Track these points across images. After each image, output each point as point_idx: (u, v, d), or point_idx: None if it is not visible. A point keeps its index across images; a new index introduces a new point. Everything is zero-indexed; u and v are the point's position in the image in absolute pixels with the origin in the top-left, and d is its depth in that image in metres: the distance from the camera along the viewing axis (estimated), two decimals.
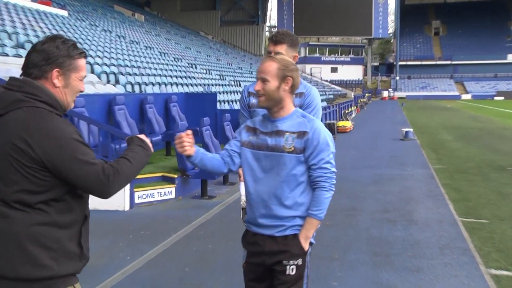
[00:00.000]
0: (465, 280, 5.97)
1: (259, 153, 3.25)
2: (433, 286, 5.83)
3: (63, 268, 2.52)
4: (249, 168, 3.31)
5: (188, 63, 29.75)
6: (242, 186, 3.87)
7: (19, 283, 2.44)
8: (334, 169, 3.21)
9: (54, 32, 21.26)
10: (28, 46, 16.12)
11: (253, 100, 4.15)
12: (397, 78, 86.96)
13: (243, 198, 3.94)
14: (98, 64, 17.89)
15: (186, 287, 5.85)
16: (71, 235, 2.58)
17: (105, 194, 2.57)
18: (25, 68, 2.60)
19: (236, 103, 21.45)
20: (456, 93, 79.32)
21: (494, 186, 11.62)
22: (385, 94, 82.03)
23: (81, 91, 2.82)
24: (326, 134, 3.21)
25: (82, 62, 2.71)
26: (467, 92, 79.71)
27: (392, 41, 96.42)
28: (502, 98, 73.55)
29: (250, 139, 3.36)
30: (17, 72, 12.05)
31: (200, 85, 23.27)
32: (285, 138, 3.17)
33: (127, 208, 9.41)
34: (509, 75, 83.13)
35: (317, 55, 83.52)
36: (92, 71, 16.74)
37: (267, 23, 77.14)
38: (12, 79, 2.61)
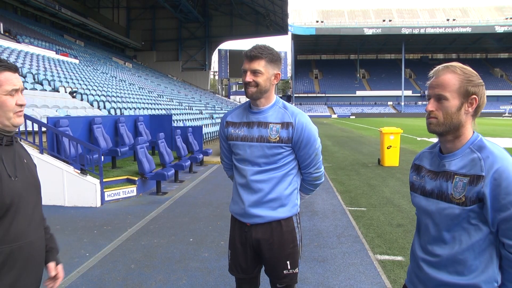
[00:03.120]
0: (361, 268, 4.59)
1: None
2: (338, 275, 4.38)
3: None
4: None
5: (157, 94, 27.86)
6: None
7: None
8: None
9: (67, 73, 19.82)
10: (45, 83, 14.67)
11: (232, 131, 2.49)
12: (294, 104, 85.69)
13: None
14: (92, 94, 16.33)
15: (128, 287, 4.17)
16: None
17: None
18: None
19: (188, 122, 19.96)
20: (328, 113, 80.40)
21: (364, 179, 10.37)
22: None
23: (20, 104, 1.70)
24: None
25: (3, 76, 1.65)
26: (334, 113, 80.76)
27: (289, 81, 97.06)
28: (354, 117, 75.90)
29: (414, 179, 1.84)
30: (29, 100, 10.51)
31: (165, 109, 21.65)
32: (453, 183, 1.62)
33: (98, 204, 7.82)
34: (357, 103, 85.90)
35: (243, 89, 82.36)
36: (87, 100, 15.23)
37: (211, 69, 76.33)
38: None
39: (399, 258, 4.89)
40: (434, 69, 1.69)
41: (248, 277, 2.58)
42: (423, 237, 1.77)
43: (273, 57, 2.36)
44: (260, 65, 2.32)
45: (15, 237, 1.65)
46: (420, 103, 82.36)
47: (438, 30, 77.45)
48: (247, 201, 2.42)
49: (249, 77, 2.34)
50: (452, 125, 1.63)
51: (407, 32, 77.51)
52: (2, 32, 26.03)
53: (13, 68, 1.73)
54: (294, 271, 2.49)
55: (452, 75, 1.63)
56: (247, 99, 2.48)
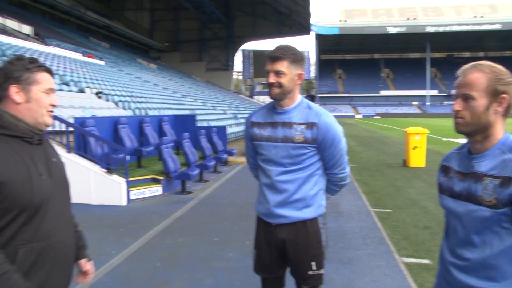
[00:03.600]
0: (386, 270, 4.53)
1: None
2: (363, 277, 4.34)
3: None
4: None
5: (181, 95, 28.11)
6: None
7: None
8: None
9: (92, 75, 20.16)
10: (72, 84, 14.98)
11: (256, 131, 2.48)
12: (317, 104, 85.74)
13: None
14: (117, 95, 16.60)
15: (154, 285, 4.22)
16: None
17: None
18: None
19: (212, 122, 20.09)
20: (352, 114, 79.58)
21: (389, 180, 10.24)
22: None
23: (53, 105, 1.79)
24: None
25: (42, 75, 1.74)
26: (359, 113, 79.93)
27: (313, 81, 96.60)
28: (378, 117, 74.70)
29: (442, 180, 1.78)
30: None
31: (189, 109, 21.79)
32: (483, 185, 1.56)
33: (124, 203, 7.93)
34: (382, 103, 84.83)
35: (266, 90, 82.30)
36: (112, 100, 15.52)
37: (234, 69, 76.42)
38: None
39: (426, 261, 4.80)
40: (462, 68, 1.64)
41: (273, 277, 2.57)
42: (451, 240, 1.71)
43: (296, 57, 2.34)
44: (283, 65, 2.31)
45: (45, 235, 1.68)
46: (446, 103, 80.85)
47: (464, 28, 75.59)
48: (272, 201, 2.41)
49: (272, 78, 2.32)
50: (480, 125, 1.57)
51: (432, 30, 76.16)
52: (32, 35, 26.69)
53: (51, 72, 1.83)
54: (319, 272, 2.46)
55: (479, 74, 1.57)
56: (271, 100, 2.47)
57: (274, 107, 2.47)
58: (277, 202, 2.40)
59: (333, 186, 2.55)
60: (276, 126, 2.41)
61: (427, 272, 4.45)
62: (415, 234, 5.81)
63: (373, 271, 4.50)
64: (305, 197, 2.39)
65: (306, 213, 2.41)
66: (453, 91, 1.67)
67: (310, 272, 2.44)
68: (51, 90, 1.80)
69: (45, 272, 1.69)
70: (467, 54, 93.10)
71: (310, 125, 2.35)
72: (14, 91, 1.69)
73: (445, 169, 1.80)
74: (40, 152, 1.77)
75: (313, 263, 2.44)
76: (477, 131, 1.60)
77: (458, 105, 1.61)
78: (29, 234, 1.63)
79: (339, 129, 2.42)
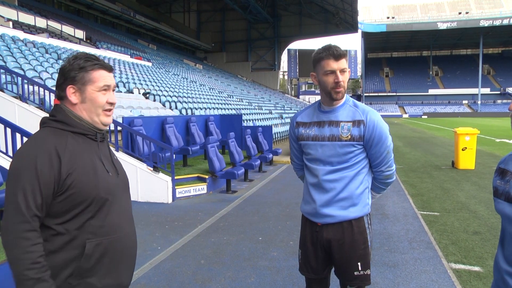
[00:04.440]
0: (433, 276, 4.38)
1: None
2: (409, 283, 4.22)
3: None
4: None
5: (227, 95, 28.34)
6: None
7: None
8: None
9: (140, 76, 20.76)
10: (120, 85, 15.50)
11: (302, 131, 2.48)
12: (364, 103, 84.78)
13: None
14: (164, 95, 16.95)
15: (198, 282, 4.28)
16: None
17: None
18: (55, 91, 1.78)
19: (257, 121, 20.13)
20: (399, 113, 77.74)
21: (437, 182, 9.91)
22: None
23: (111, 103, 1.80)
24: None
25: (97, 73, 1.75)
26: (406, 113, 77.96)
27: (359, 80, 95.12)
28: (426, 116, 72.94)
29: (498, 184, 1.71)
30: None
31: (235, 109, 21.93)
32: None
33: (170, 201, 8.11)
34: (430, 102, 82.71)
35: (312, 89, 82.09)
36: (159, 100, 15.89)
37: (281, 69, 76.33)
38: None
39: (476, 268, 4.60)
40: None
41: (318, 278, 2.55)
42: (508, 248, 1.60)
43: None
44: (345, 63, 2.32)
45: (111, 230, 1.75)
46: (499, 101, 77.33)
47: None
48: (318, 200, 2.40)
49: (341, 77, 2.31)
50: None
51: (486, 24, 72.66)
52: (84, 39, 27.81)
53: (108, 68, 1.83)
54: (366, 273, 2.43)
55: None
56: (317, 99, 2.45)
57: (320, 106, 2.47)
58: (324, 201, 2.39)
59: (379, 184, 2.52)
60: (323, 125, 2.40)
61: (477, 280, 4.26)
62: (464, 240, 5.59)
63: (419, 276, 4.36)
64: (351, 195, 2.37)
65: (352, 212, 2.38)
66: (510, 89, 1.58)
67: (356, 273, 2.41)
68: (108, 87, 1.80)
69: (111, 266, 1.76)
70: None
71: (357, 123, 2.34)
72: (71, 92, 1.74)
73: (501, 172, 1.69)
74: (105, 149, 1.85)
75: (359, 263, 2.41)
76: None
77: None
78: (96, 228, 1.70)
79: (385, 127, 2.39)
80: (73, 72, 1.73)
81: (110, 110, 1.83)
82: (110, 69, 1.83)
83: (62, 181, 1.62)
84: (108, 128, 1.88)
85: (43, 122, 1.76)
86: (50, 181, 1.60)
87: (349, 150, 2.34)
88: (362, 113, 2.36)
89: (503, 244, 1.67)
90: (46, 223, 1.65)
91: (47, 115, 1.81)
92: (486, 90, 79.19)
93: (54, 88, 8.33)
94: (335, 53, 2.28)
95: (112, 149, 8.20)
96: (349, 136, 2.33)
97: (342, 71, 2.30)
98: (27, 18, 24.31)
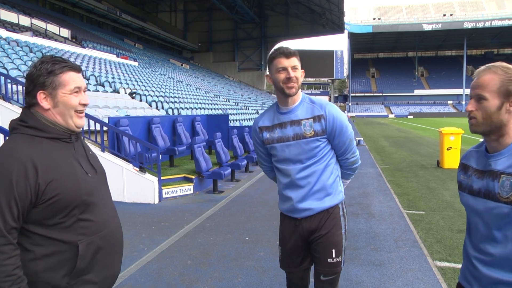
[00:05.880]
0: (419, 274, 4.42)
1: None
2: (395, 281, 4.25)
3: None
4: None
5: (214, 95, 28.32)
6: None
7: None
8: None
9: (127, 75, 20.64)
10: (106, 85, 15.32)
11: (267, 135, 2.52)
12: (350, 104, 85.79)
13: None
14: (150, 95, 16.84)
15: (184, 282, 4.26)
16: None
17: None
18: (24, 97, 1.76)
19: (244, 121, 20.12)
20: (385, 113, 78.83)
21: (423, 181, 10.01)
22: None
23: (83, 104, 1.77)
24: None
25: (67, 75, 1.72)
26: (392, 113, 79.01)
27: (346, 80, 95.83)
28: (412, 116, 73.76)
29: (461, 178, 1.87)
30: (92, 101, 11.06)
31: (221, 109, 21.97)
32: (500, 183, 1.60)
33: (156, 201, 8.07)
34: (415, 102, 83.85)
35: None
36: (146, 100, 15.78)
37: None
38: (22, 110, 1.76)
39: (460, 265, 4.63)
40: (477, 70, 1.69)
41: (298, 271, 2.63)
42: (474, 236, 1.75)
43: (299, 55, 2.43)
44: (296, 61, 2.38)
45: (99, 227, 1.77)
46: None
47: (507, 22, 72.48)
48: (295, 197, 2.49)
49: (292, 73, 2.37)
50: (493, 124, 1.61)
51: (470, 26, 73.82)
52: (69, 38, 27.52)
53: (77, 68, 1.79)
54: (338, 260, 2.52)
55: (492, 75, 1.61)
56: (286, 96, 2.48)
57: (278, 108, 2.53)
58: (300, 197, 2.47)
59: (347, 170, 2.63)
60: (285, 125, 2.47)
61: None
62: (449, 238, 5.65)
63: (405, 275, 4.40)
64: (324, 186, 2.47)
65: (327, 202, 2.49)
66: (469, 93, 1.72)
67: (329, 260, 2.50)
68: (79, 89, 1.77)
69: (105, 260, 1.79)
70: (508, 51, 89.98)
71: (317, 118, 2.42)
72: (42, 98, 1.70)
73: (464, 167, 1.86)
74: (79, 149, 1.84)
75: (333, 250, 2.50)
76: (491, 131, 1.64)
77: (471, 106, 1.66)
78: (85, 229, 1.71)
79: (344, 117, 2.48)
80: (41, 77, 1.69)
81: (82, 111, 1.80)
82: (79, 69, 1.80)
83: (42, 191, 1.61)
84: (79, 131, 1.90)
85: (14, 128, 1.71)
86: (26, 193, 1.58)
87: (315, 145, 2.42)
88: (321, 108, 2.44)
89: (469, 233, 1.81)
90: (34, 230, 1.64)
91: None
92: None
93: None
94: (285, 52, 2.36)
95: (98, 149, 8.16)
96: (313, 132, 2.41)
97: (294, 68, 2.36)
98: (10, 16, 23.97)
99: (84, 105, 1.80)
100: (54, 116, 1.73)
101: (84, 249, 1.69)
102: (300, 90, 2.48)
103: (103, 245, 1.77)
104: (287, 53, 2.36)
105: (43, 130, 1.70)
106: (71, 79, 1.74)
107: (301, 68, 2.44)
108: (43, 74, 1.69)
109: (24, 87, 1.78)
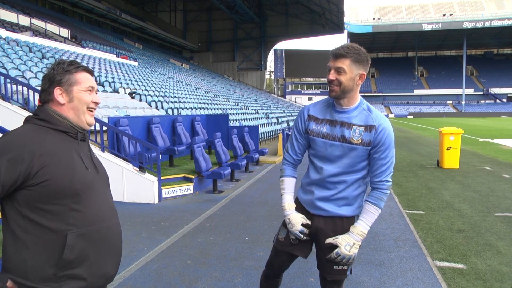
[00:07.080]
0: (419, 274, 4.42)
1: None
2: (395, 281, 4.25)
3: None
4: None
5: (214, 95, 28.26)
6: None
7: None
8: None
9: (126, 75, 20.66)
10: (106, 85, 15.31)
11: (314, 126, 2.44)
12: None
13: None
14: (150, 95, 16.84)
15: (184, 282, 4.26)
16: None
17: None
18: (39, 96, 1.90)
19: (244, 121, 20.09)
20: (385, 113, 78.24)
21: (423, 181, 10.01)
22: None
23: (95, 102, 1.92)
24: None
25: (82, 75, 1.89)
26: (392, 113, 78.79)
27: None
28: (412, 116, 73.83)
29: None
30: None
31: (221, 109, 21.91)
32: None
33: (156, 201, 8.06)
34: (415, 102, 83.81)
35: (298, 89, 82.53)
36: (145, 100, 15.77)
37: (267, 69, 76.44)
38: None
39: (460, 265, 4.65)
40: None
41: (289, 255, 2.63)
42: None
43: (359, 57, 2.30)
44: (344, 63, 2.28)
45: (92, 220, 1.79)
46: (483, 101, 78.45)
47: (507, 22, 72.18)
48: (318, 195, 2.45)
49: (332, 75, 2.31)
50: None
51: (469, 26, 73.67)
52: (69, 38, 27.51)
53: (90, 71, 1.95)
54: (344, 268, 2.49)
55: None
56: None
57: (334, 105, 2.45)
58: (322, 196, 2.44)
59: (383, 195, 2.43)
60: (335, 124, 2.40)
61: (461, 277, 4.31)
62: (448, 238, 5.65)
63: (405, 274, 4.40)
64: (348, 196, 2.42)
65: (344, 211, 2.44)
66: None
67: (335, 267, 2.47)
68: (92, 88, 1.91)
69: (95, 256, 1.80)
70: (508, 50, 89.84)
71: (368, 128, 2.35)
72: (58, 93, 1.84)
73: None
74: (85, 148, 1.92)
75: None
76: None
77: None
78: (76, 220, 1.74)
79: (393, 137, 2.41)
80: (58, 76, 1.84)
81: (93, 109, 1.93)
82: (92, 72, 1.96)
83: (33, 174, 1.67)
84: (89, 129, 1.97)
85: (27, 120, 1.84)
86: (15, 173, 1.66)
87: (357, 154, 2.36)
88: (375, 119, 2.37)
89: None
90: (26, 214, 1.70)
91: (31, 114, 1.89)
92: (470, 91, 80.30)
93: (38, 88, 8.24)
94: (334, 52, 2.31)
95: (98, 149, 8.16)
96: (360, 140, 2.34)
97: (338, 70, 2.29)
98: (9, 15, 23.97)
99: (96, 103, 1.93)
100: (67, 111, 1.85)
101: (72, 240, 1.72)
102: (357, 94, 2.39)
103: (95, 240, 1.79)
104: (335, 54, 2.30)
105: (51, 122, 1.81)
106: (86, 78, 1.90)
107: (360, 71, 2.32)
108: (60, 73, 1.84)
109: (39, 87, 1.95)
